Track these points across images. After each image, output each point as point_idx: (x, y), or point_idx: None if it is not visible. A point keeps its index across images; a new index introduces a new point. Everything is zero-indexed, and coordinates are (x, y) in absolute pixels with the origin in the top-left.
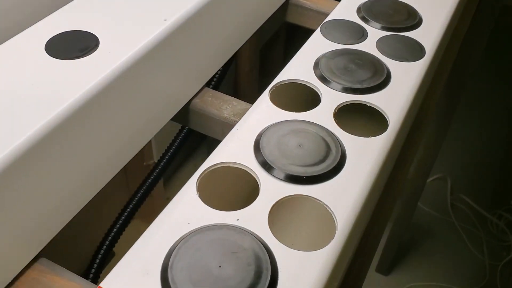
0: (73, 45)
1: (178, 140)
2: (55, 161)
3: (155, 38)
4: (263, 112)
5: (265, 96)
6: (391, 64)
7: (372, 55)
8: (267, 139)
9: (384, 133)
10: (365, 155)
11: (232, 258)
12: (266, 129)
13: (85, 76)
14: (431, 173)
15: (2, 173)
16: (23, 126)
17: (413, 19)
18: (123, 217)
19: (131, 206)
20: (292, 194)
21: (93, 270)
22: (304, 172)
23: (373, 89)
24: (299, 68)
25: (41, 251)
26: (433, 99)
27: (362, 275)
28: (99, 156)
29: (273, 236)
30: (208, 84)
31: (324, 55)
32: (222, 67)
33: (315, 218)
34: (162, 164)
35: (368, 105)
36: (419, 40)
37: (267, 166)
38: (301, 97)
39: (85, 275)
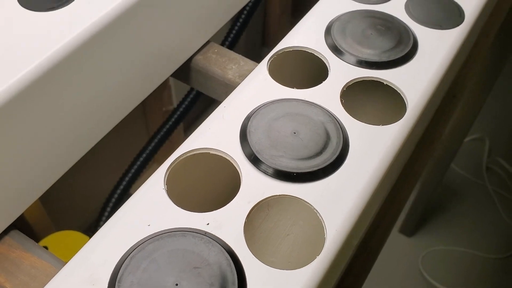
0: None
1: None
2: (32, 119)
3: None
4: (258, 87)
5: (263, 66)
6: (420, 31)
7: (398, 19)
8: (257, 123)
9: (399, 120)
10: (372, 148)
11: (192, 275)
12: (258, 110)
13: (59, 31)
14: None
15: None
16: None
17: None
18: (141, 159)
19: (149, 148)
20: (278, 194)
21: (108, 209)
22: (296, 168)
23: (393, 62)
24: (307, 32)
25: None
26: (473, 69)
27: (363, 275)
28: (85, 118)
29: (247, 248)
30: (224, 42)
31: (339, 18)
32: (245, 13)
33: (305, 225)
34: (181, 109)
35: (385, 83)
36: (458, 2)
37: (252, 157)
38: (306, 70)
39: (100, 213)
